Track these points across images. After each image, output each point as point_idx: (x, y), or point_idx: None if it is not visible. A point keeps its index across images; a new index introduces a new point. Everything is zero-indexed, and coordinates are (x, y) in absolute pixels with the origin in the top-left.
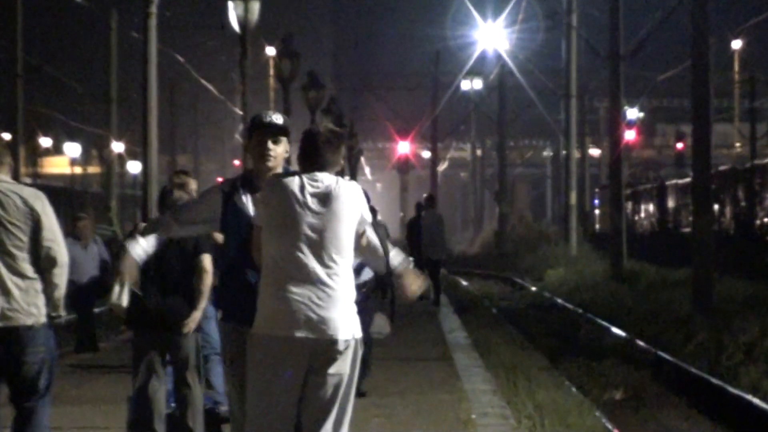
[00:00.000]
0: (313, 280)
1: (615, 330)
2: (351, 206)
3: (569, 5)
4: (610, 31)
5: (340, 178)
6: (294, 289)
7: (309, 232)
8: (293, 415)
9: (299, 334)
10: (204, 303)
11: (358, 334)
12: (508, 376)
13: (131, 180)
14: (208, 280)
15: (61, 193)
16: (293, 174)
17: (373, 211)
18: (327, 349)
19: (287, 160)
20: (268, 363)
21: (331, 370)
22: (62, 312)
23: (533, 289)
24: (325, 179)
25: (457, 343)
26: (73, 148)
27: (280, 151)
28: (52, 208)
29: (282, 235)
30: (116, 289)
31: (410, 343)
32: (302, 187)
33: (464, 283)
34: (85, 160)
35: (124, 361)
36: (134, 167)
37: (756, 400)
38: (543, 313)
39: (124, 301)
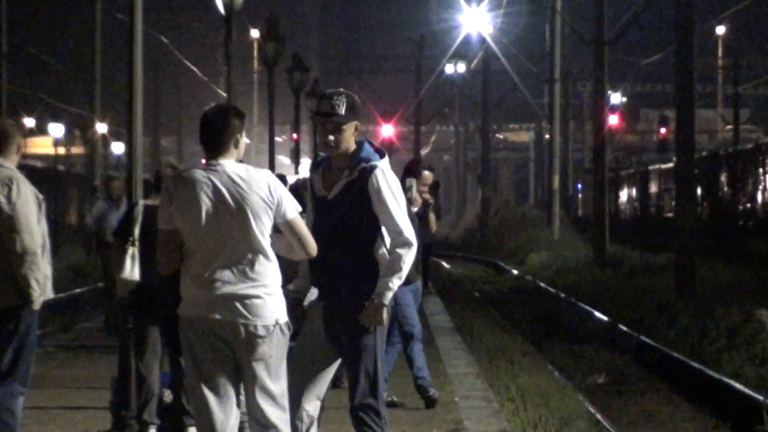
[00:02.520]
0: (232, 269)
1: (597, 314)
2: (258, 195)
3: None
4: (594, 15)
5: (248, 167)
6: (214, 276)
7: (220, 223)
8: (231, 394)
9: (218, 316)
10: None
11: (283, 318)
12: (491, 359)
13: (115, 161)
14: None
15: (44, 173)
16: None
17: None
18: (249, 334)
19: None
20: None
21: (257, 354)
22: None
23: (515, 272)
24: (227, 166)
25: (439, 327)
26: (56, 129)
27: (338, 138)
28: (36, 189)
29: (192, 226)
30: (128, 263)
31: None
32: (207, 178)
33: (447, 266)
34: (68, 140)
35: (106, 342)
36: (118, 148)
37: (738, 386)
38: (525, 297)
39: (136, 275)
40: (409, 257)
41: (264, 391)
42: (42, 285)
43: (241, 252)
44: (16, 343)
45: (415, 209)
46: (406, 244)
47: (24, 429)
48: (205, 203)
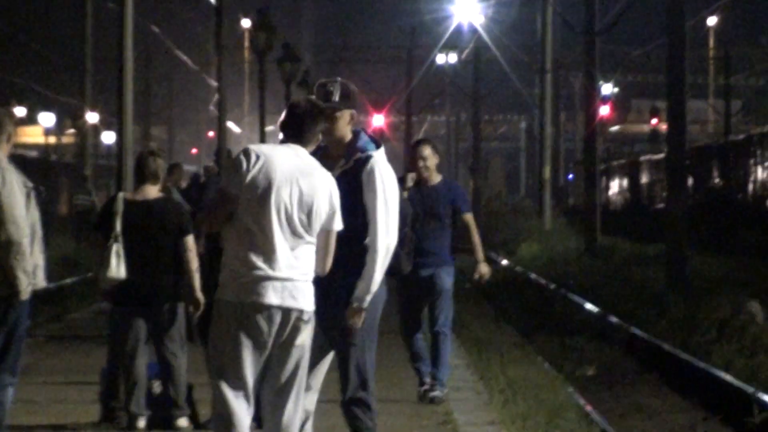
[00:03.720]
0: (287, 254)
1: (588, 305)
2: (325, 192)
3: None
4: (586, 6)
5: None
6: (262, 259)
7: (287, 205)
8: (253, 382)
9: (268, 301)
10: (196, 282)
11: (313, 306)
12: (481, 351)
13: (105, 150)
14: (195, 259)
15: (35, 163)
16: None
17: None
18: (295, 319)
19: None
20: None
21: (298, 341)
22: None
23: (506, 263)
24: (304, 156)
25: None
26: (47, 118)
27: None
28: (25, 178)
29: (259, 204)
30: (113, 261)
31: (383, 317)
32: (287, 157)
33: None
34: (59, 129)
35: (96, 332)
36: (108, 137)
37: (728, 377)
38: (516, 287)
39: (122, 272)
40: (380, 259)
41: (289, 378)
42: (30, 275)
43: (296, 239)
44: (5, 333)
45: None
46: (375, 249)
47: (12, 419)
48: (282, 182)
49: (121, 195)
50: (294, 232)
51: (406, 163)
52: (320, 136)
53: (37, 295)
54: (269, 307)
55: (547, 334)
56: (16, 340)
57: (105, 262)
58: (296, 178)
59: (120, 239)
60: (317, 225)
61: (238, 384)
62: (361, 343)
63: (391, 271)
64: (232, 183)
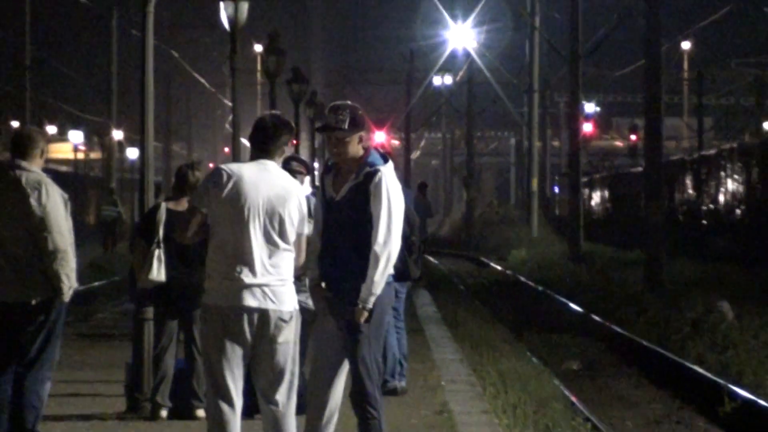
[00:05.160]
0: (262, 261)
1: (572, 306)
2: (294, 201)
3: (533, 8)
4: (570, 32)
5: (288, 175)
6: (240, 267)
7: (260, 217)
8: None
9: (246, 304)
10: None
11: (296, 305)
12: (475, 347)
13: (129, 165)
14: None
15: (65, 176)
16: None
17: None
18: (276, 319)
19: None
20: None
21: (281, 339)
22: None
23: (498, 267)
24: (273, 169)
25: (427, 317)
26: (76, 135)
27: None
28: (59, 190)
29: (231, 219)
30: (155, 265)
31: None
32: (253, 173)
33: (435, 261)
34: (87, 146)
35: (121, 331)
36: (132, 153)
37: (701, 371)
38: (506, 289)
39: (162, 276)
40: (383, 264)
41: (277, 373)
42: (71, 279)
43: (271, 247)
44: (45, 332)
45: None
46: (376, 254)
47: (45, 410)
48: (250, 197)
49: (163, 205)
50: (269, 241)
51: (403, 177)
52: (285, 148)
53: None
54: (248, 310)
55: (535, 331)
56: (54, 338)
57: (147, 266)
58: (266, 191)
59: (162, 245)
60: (291, 232)
61: (225, 382)
62: (367, 339)
63: (402, 277)
64: (200, 201)
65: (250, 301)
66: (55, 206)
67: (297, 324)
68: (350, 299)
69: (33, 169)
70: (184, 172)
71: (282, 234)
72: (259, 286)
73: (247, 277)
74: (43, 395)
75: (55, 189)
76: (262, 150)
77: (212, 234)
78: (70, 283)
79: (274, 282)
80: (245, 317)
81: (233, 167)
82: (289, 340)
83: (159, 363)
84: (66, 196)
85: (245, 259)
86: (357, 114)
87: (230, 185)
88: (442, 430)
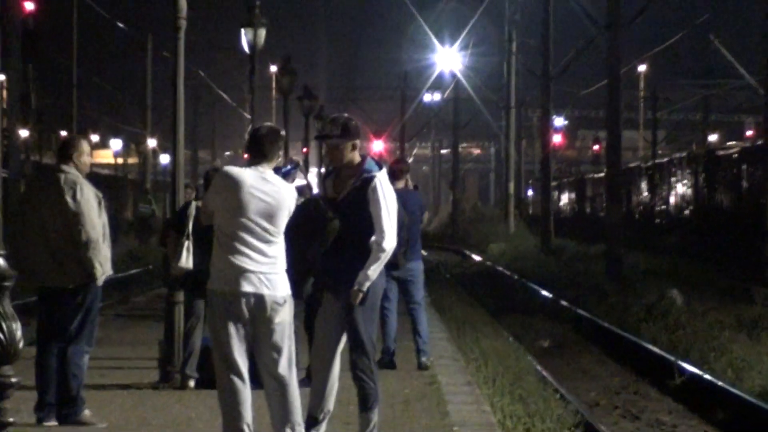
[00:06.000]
0: (260, 251)
1: (544, 292)
2: (286, 202)
3: (510, 35)
4: (543, 56)
5: (279, 178)
6: (239, 257)
7: (256, 215)
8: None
9: (243, 289)
10: None
11: (289, 292)
12: (459, 328)
13: (162, 169)
14: None
15: (107, 179)
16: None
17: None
18: (271, 303)
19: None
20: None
21: (277, 320)
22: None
23: (479, 259)
24: (269, 175)
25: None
26: (116, 143)
27: (334, 155)
28: (96, 189)
29: (233, 216)
30: (184, 254)
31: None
32: (252, 178)
33: (424, 253)
34: (125, 153)
35: (154, 312)
36: (165, 159)
37: (654, 348)
38: (487, 278)
39: (190, 263)
40: (383, 257)
41: (277, 350)
42: (103, 265)
43: (265, 240)
44: (83, 313)
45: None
46: (381, 248)
47: (88, 381)
48: (249, 198)
49: (194, 203)
50: (263, 235)
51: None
52: (281, 154)
53: (107, 283)
54: (245, 294)
55: (512, 314)
56: (91, 318)
57: (178, 255)
58: (262, 193)
59: (191, 237)
60: (282, 226)
61: (233, 357)
62: (362, 318)
63: (391, 266)
64: (209, 201)
65: (247, 286)
66: (88, 203)
67: (291, 307)
68: (349, 283)
69: (71, 171)
70: (211, 176)
71: (275, 229)
72: (255, 273)
73: (244, 266)
74: (82, 365)
75: (89, 188)
76: (258, 156)
77: (216, 228)
78: (102, 269)
79: (268, 270)
80: (243, 300)
81: (235, 171)
82: (284, 320)
83: (188, 340)
84: (100, 194)
85: (244, 250)
86: (350, 124)
87: (232, 186)
88: (431, 398)
